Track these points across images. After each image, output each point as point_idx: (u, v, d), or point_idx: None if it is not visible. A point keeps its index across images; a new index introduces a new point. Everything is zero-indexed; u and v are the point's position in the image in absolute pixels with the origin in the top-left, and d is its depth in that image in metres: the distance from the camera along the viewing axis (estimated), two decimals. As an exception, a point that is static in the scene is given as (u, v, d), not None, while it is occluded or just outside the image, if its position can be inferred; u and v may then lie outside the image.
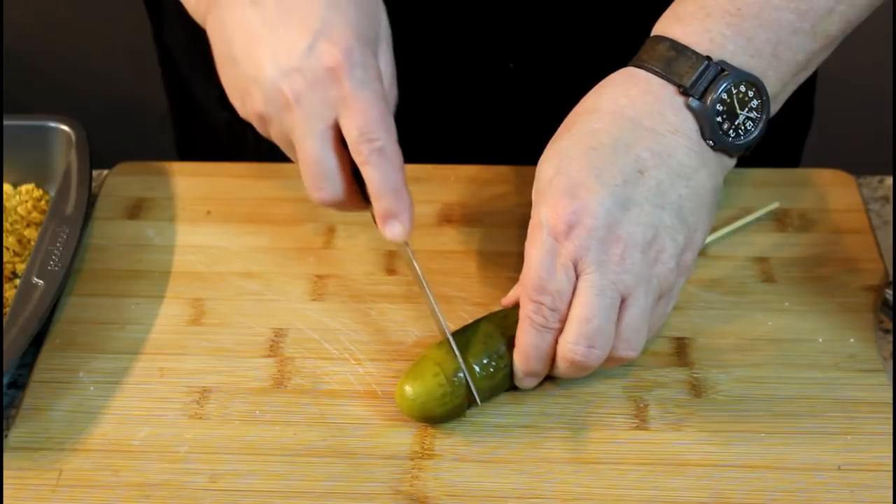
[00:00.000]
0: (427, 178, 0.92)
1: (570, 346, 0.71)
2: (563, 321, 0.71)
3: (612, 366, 0.74)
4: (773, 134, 0.86)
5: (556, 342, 0.72)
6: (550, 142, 0.74)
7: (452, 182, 0.92)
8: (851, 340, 0.79)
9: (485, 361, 0.73)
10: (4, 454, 0.72)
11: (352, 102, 0.71)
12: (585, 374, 0.74)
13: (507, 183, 0.92)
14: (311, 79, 0.71)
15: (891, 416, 0.74)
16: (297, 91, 0.71)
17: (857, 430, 0.73)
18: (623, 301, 0.70)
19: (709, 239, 0.83)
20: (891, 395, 0.75)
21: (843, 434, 0.73)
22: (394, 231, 0.73)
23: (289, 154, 0.75)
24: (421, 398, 0.72)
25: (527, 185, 0.90)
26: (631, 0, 0.83)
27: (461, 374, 0.72)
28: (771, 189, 0.90)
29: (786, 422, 0.74)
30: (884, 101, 1.56)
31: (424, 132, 0.97)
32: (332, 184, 0.73)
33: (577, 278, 0.70)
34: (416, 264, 0.75)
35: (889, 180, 0.93)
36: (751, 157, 0.86)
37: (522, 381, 0.75)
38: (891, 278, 0.83)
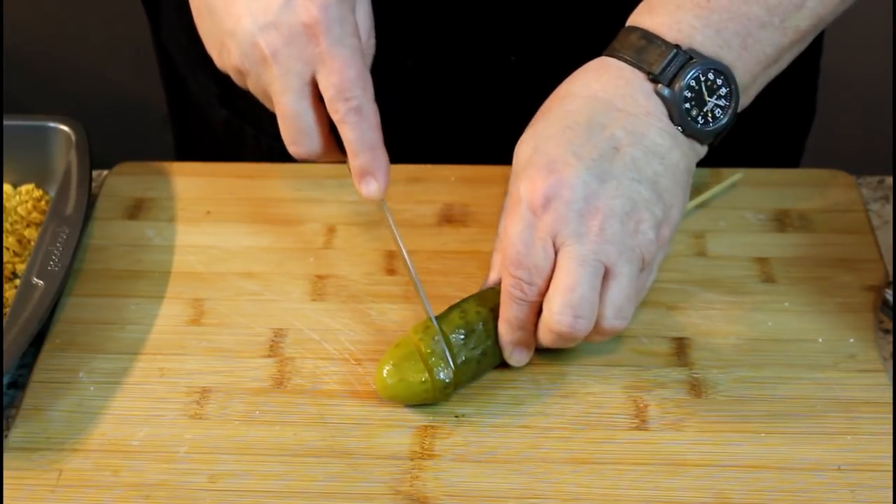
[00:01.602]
0: (427, 178, 0.92)
1: (556, 317, 0.71)
2: (542, 294, 0.72)
3: (601, 339, 0.74)
4: (773, 134, 0.86)
5: (538, 313, 0.73)
6: (527, 127, 0.75)
7: (452, 182, 0.92)
8: (851, 340, 0.79)
9: (464, 333, 0.74)
10: (4, 454, 0.72)
11: (328, 60, 0.72)
12: (572, 345, 0.74)
13: (507, 183, 0.92)
14: (288, 35, 0.71)
15: (891, 416, 0.74)
16: (273, 46, 0.71)
17: (857, 430, 0.73)
18: (607, 271, 0.71)
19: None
20: (891, 395, 0.75)
21: (843, 434, 0.73)
22: (370, 188, 0.74)
23: (267, 106, 0.76)
24: (397, 382, 0.73)
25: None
26: None
27: (438, 355, 0.73)
28: (771, 189, 0.90)
29: (786, 422, 0.73)
30: (884, 101, 1.55)
31: (425, 128, 0.97)
32: (309, 138, 0.74)
33: (556, 253, 0.71)
34: (392, 224, 0.76)
35: (889, 180, 0.93)
36: (751, 157, 0.86)
37: (511, 356, 0.75)
38: (891, 278, 0.83)
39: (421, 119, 0.96)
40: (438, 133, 0.98)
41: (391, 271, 0.85)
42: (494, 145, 0.93)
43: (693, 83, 0.72)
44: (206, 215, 0.90)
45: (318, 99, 0.73)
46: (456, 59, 0.96)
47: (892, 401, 0.74)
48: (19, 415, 0.75)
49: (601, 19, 0.91)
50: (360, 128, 0.73)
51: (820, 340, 0.79)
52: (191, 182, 0.93)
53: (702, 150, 0.75)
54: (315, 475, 0.71)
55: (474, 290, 0.83)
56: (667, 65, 0.72)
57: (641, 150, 0.72)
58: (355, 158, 0.73)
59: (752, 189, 0.90)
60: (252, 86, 0.75)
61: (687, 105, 0.73)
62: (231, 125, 1.04)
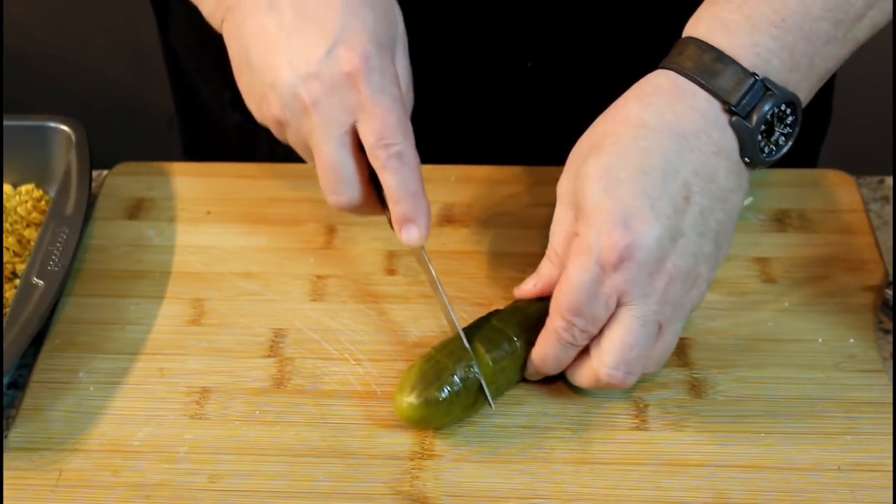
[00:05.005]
0: (427, 178, 0.91)
1: (609, 371, 0.71)
2: (590, 340, 0.72)
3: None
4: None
5: (576, 355, 0.73)
6: (590, 151, 0.71)
7: (453, 182, 0.92)
8: (851, 340, 0.79)
9: (494, 360, 0.73)
10: (4, 454, 0.72)
11: (370, 108, 0.71)
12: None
13: (508, 183, 0.92)
14: (329, 84, 0.71)
15: (891, 416, 0.74)
16: (315, 96, 0.71)
17: (857, 430, 0.73)
18: (660, 328, 0.71)
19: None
20: (891, 395, 0.75)
21: (843, 434, 0.73)
22: (411, 235, 0.74)
23: (306, 158, 0.76)
24: (423, 408, 0.71)
25: (528, 185, 0.90)
26: None
27: (461, 380, 0.72)
28: (771, 189, 0.90)
29: (786, 422, 0.74)
30: (884, 101, 1.56)
31: (440, 132, 0.96)
32: (349, 188, 0.74)
33: (616, 307, 0.70)
34: (431, 268, 0.76)
35: (889, 180, 0.93)
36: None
37: (532, 376, 0.76)
38: (891, 278, 0.83)
39: (436, 122, 0.96)
40: (453, 136, 0.98)
41: (391, 271, 0.85)
42: (509, 149, 0.93)
43: (769, 116, 0.71)
44: (206, 215, 0.90)
45: (357, 149, 0.73)
46: (472, 64, 0.95)
47: (892, 401, 0.74)
48: (19, 415, 0.75)
49: (619, 25, 0.91)
50: (402, 174, 0.72)
51: (820, 340, 0.79)
52: (191, 182, 0.93)
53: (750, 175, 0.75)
54: (315, 475, 0.71)
55: (474, 290, 0.83)
56: (744, 95, 0.70)
57: (709, 198, 0.70)
58: (396, 205, 0.73)
59: (752, 189, 0.90)
60: (292, 137, 0.75)
61: (759, 137, 0.71)
62: (244, 129, 1.04)
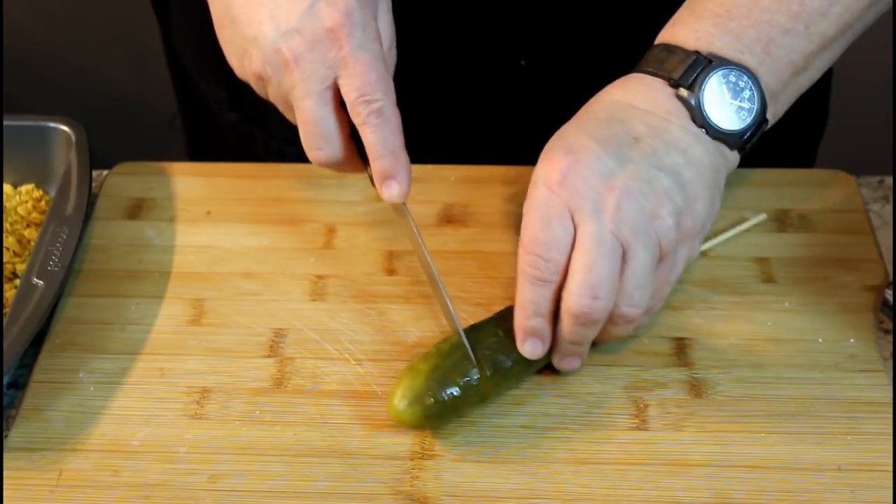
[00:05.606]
0: (427, 178, 0.92)
1: (574, 298, 0.69)
2: (561, 274, 0.70)
3: (615, 331, 0.73)
4: (787, 136, 0.86)
5: (555, 301, 0.71)
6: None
7: (452, 182, 0.92)
8: (851, 340, 0.79)
9: (495, 366, 0.73)
10: (4, 454, 0.72)
11: (351, 64, 0.72)
12: (591, 334, 0.72)
13: (508, 183, 0.92)
14: (311, 39, 0.71)
15: (891, 416, 0.74)
16: (296, 51, 0.72)
17: (857, 430, 0.73)
18: (624, 253, 0.70)
19: (704, 247, 0.83)
20: (891, 395, 0.75)
21: (843, 434, 0.73)
22: (391, 192, 0.74)
23: (287, 115, 0.76)
24: (418, 413, 0.71)
25: (528, 184, 0.90)
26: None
27: (460, 388, 0.72)
28: (771, 189, 0.90)
29: (786, 422, 0.74)
30: (884, 101, 1.56)
31: (433, 130, 0.97)
32: (330, 144, 0.74)
33: (575, 230, 0.70)
34: (414, 227, 0.76)
35: (889, 180, 0.93)
36: (764, 158, 0.86)
37: (524, 345, 0.72)
38: (891, 278, 0.83)
39: (428, 121, 0.96)
40: (446, 135, 0.98)
41: (391, 271, 0.85)
42: (502, 147, 0.94)
43: (714, 86, 0.73)
44: (206, 215, 0.90)
45: (339, 105, 0.73)
46: (466, 62, 0.95)
47: (892, 401, 0.74)
48: (19, 415, 0.75)
49: (613, 25, 0.91)
50: (382, 130, 0.72)
51: (820, 340, 0.79)
52: (191, 182, 0.93)
53: (731, 156, 0.75)
54: (315, 475, 0.71)
55: (474, 290, 0.83)
56: (686, 69, 0.73)
57: (662, 143, 0.72)
58: (377, 161, 0.73)
59: (752, 189, 0.90)
60: (273, 93, 0.75)
61: (708, 107, 0.73)
62: (241, 129, 1.04)
